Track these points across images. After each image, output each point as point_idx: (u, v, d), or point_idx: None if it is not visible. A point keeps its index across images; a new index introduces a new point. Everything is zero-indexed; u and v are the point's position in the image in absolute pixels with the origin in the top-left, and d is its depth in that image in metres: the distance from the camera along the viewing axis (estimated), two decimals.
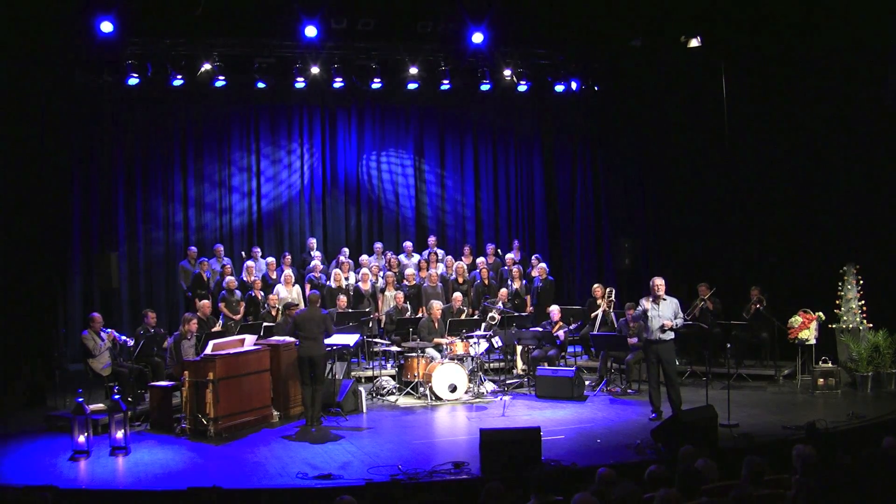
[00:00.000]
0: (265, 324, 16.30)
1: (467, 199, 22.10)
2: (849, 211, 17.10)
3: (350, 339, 15.18)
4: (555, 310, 17.03)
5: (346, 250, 19.62)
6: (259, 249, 19.26)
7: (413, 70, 18.75)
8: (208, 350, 13.25)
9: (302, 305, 16.36)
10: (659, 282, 13.56)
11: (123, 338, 14.87)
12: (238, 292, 17.51)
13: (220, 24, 16.96)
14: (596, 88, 20.22)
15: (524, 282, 18.82)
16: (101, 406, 13.17)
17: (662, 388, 13.81)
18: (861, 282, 16.16)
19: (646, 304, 13.52)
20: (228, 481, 10.40)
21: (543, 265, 18.95)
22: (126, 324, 18.59)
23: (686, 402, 13.88)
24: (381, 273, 18.88)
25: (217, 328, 16.11)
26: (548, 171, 22.38)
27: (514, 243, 20.57)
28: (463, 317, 17.18)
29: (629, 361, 15.71)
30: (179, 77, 17.76)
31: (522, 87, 19.62)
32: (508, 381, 16.49)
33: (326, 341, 13.99)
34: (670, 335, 13.52)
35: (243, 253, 19.24)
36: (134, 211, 19.28)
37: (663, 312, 13.39)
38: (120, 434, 11.98)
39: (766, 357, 17.06)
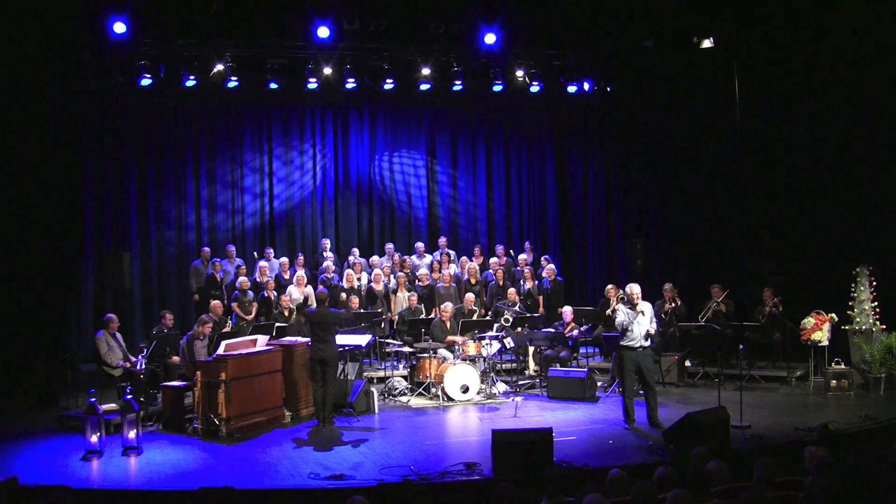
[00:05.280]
0: (277, 324, 16.33)
1: (479, 200, 22.10)
2: (862, 212, 17.05)
3: (362, 339, 15.20)
4: (567, 311, 17.04)
5: (357, 251, 19.66)
6: (272, 250, 19.31)
7: (425, 71, 18.74)
8: (220, 350, 13.28)
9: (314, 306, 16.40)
10: (637, 290, 13.39)
11: (141, 370, 14.79)
12: (251, 293, 17.54)
13: (233, 24, 17.00)
14: (608, 89, 20.19)
15: (536, 282, 18.82)
16: (113, 406, 13.18)
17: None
18: (874, 283, 16.10)
19: (627, 312, 13.28)
20: (240, 481, 10.42)
21: (552, 266, 18.97)
22: (138, 324, 18.66)
23: (698, 404, 13.94)
24: (393, 274, 18.90)
25: (227, 329, 16.14)
26: (560, 171, 22.37)
27: (525, 244, 20.58)
28: (475, 317, 17.18)
29: None
30: (192, 78, 17.76)
31: (535, 88, 19.58)
32: (520, 382, 16.49)
33: (339, 340, 14.02)
34: (648, 342, 13.42)
35: (255, 253, 19.27)
36: (146, 211, 19.31)
37: (643, 319, 13.25)
38: (132, 434, 12.01)
39: (779, 358, 17.01)
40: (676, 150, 19.97)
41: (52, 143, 16.20)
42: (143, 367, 14.46)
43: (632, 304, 13.24)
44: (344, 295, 17.53)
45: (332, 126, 21.13)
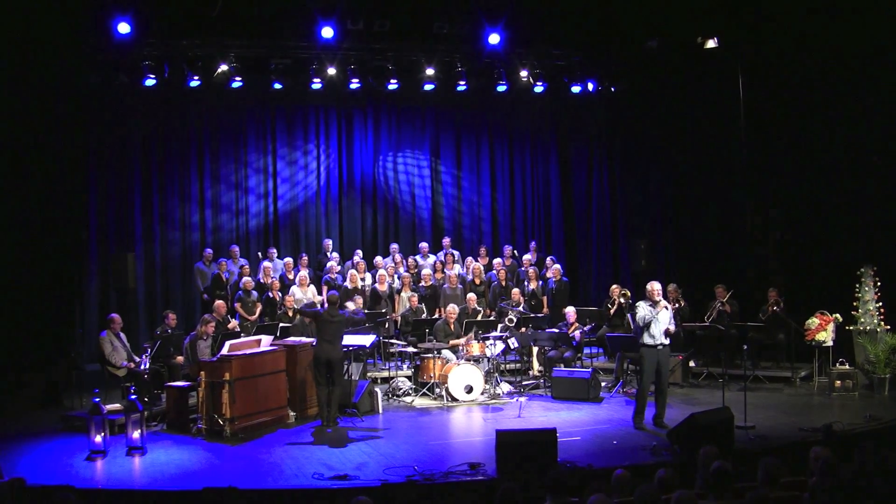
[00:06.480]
0: (281, 324, 16.34)
1: (483, 200, 22.10)
2: (866, 212, 17.05)
3: (366, 339, 15.21)
4: (570, 311, 17.04)
5: (360, 251, 19.66)
6: (275, 250, 19.30)
7: (429, 71, 18.76)
8: (224, 350, 13.28)
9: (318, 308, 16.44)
10: (658, 287, 13.31)
11: (145, 370, 14.75)
12: (255, 293, 17.55)
13: (237, 25, 17.02)
14: (612, 89, 20.20)
15: (540, 283, 18.81)
16: (117, 406, 13.17)
17: None
18: (878, 283, 16.11)
19: (648, 309, 13.17)
20: (244, 481, 10.42)
21: (558, 266, 18.96)
22: (142, 324, 18.69)
23: (702, 404, 13.96)
24: (397, 274, 18.90)
25: (232, 325, 16.17)
26: (564, 171, 22.37)
27: (530, 244, 20.60)
28: (479, 317, 17.17)
29: None
30: (196, 78, 17.81)
31: (539, 88, 19.60)
32: (524, 383, 16.46)
33: (344, 341, 14.05)
34: (668, 340, 13.33)
35: (259, 254, 19.28)
36: (150, 212, 19.34)
37: (663, 317, 13.17)
38: (136, 434, 12.01)
39: (783, 359, 16.99)
40: (680, 150, 19.96)
41: (56, 144, 16.21)
42: (147, 367, 14.46)
43: (652, 302, 13.17)
44: (352, 303, 17.47)
45: (336, 126, 21.15)
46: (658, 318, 13.08)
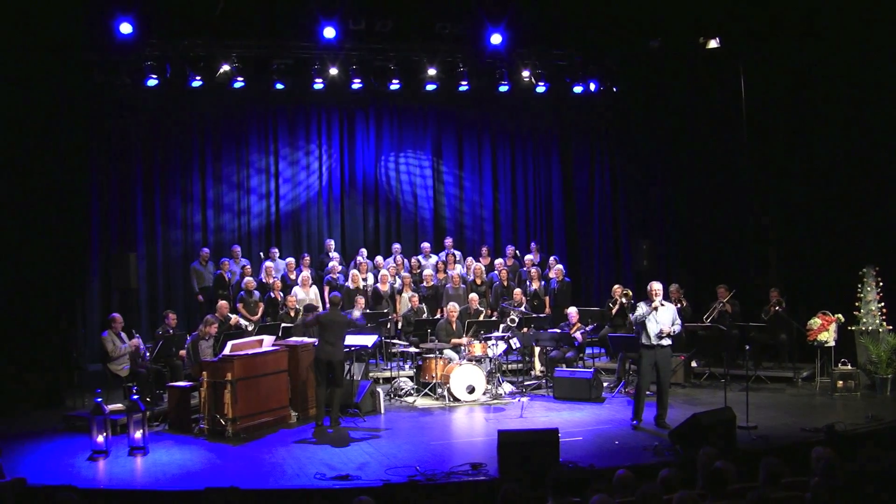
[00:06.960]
0: (283, 324, 16.34)
1: (485, 201, 22.06)
2: (869, 212, 17.03)
3: (368, 340, 15.21)
4: (572, 311, 17.03)
5: (364, 251, 19.68)
6: (277, 250, 19.31)
7: (431, 71, 18.73)
8: (226, 350, 13.28)
9: (320, 308, 16.46)
10: (657, 287, 13.25)
11: (145, 352, 14.76)
12: (256, 293, 17.55)
13: (239, 25, 17.05)
14: (614, 90, 20.17)
15: (542, 283, 18.80)
16: (119, 406, 13.19)
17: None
18: (881, 283, 16.10)
19: (645, 309, 13.16)
20: (246, 482, 10.42)
21: (560, 266, 18.94)
22: (144, 324, 18.63)
23: (704, 404, 13.94)
24: (398, 274, 18.90)
25: (235, 320, 16.18)
26: (566, 172, 22.32)
27: (531, 244, 20.58)
28: (481, 318, 17.17)
29: None
30: (198, 78, 17.79)
31: (541, 89, 19.55)
32: (526, 383, 16.47)
33: (346, 341, 14.04)
34: (668, 341, 13.24)
35: (262, 254, 19.28)
36: (152, 212, 19.33)
37: (661, 318, 13.07)
38: (138, 434, 12.02)
39: (785, 359, 17.00)
40: (682, 150, 19.98)
41: (58, 144, 16.23)
42: (147, 353, 14.51)
43: (650, 301, 13.16)
44: (357, 310, 17.46)
45: (339, 126, 21.12)
46: (656, 319, 13.06)
